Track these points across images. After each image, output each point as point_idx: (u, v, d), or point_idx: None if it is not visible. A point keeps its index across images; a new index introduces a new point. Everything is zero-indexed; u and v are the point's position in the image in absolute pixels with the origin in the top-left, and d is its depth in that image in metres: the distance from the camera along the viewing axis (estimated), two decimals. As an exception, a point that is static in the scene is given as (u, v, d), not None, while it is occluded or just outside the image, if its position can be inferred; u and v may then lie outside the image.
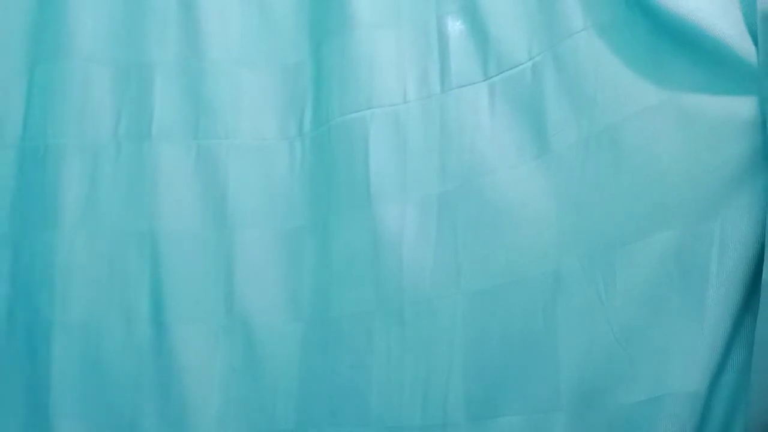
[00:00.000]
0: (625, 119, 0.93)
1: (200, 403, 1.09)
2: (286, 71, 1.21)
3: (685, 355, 0.82)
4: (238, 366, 1.11)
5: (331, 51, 1.18)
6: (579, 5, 1.01)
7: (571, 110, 0.99)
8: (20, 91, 1.21)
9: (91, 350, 1.11)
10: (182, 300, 1.13)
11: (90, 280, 1.13)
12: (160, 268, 1.13)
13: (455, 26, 1.14)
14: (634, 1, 0.96)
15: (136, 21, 1.22)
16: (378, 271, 1.07)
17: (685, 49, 0.89)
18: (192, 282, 1.13)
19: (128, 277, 1.14)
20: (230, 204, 1.16)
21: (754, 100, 0.83)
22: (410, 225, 1.07)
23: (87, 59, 1.19)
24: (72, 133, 1.17)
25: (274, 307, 1.13)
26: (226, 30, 1.22)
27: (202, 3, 1.22)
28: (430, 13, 1.16)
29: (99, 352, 1.11)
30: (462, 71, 1.11)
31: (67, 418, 1.08)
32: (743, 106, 0.83)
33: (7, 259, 1.16)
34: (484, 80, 1.09)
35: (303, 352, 1.10)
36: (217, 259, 1.14)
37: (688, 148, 0.87)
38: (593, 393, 0.89)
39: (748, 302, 0.82)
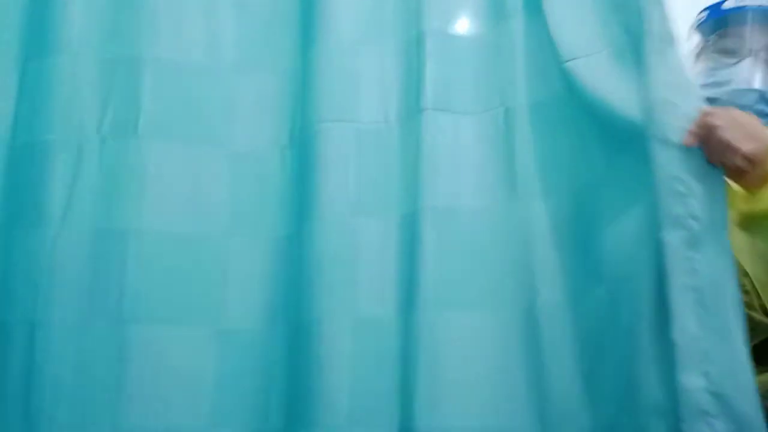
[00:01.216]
0: None
1: (189, 405, 1.11)
2: (277, 77, 1.24)
3: None
4: (227, 368, 1.13)
5: (317, 60, 1.21)
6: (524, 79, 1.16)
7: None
8: (11, 87, 1.20)
9: (75, 351, 1.10)
10: (168, 301, 1.13)
11: (73, 279, 1.12)
12: (144, 268, 1.13)
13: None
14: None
15: (126, 17, 1.22)
16: (353, 280, 1.12)
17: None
18: (178, 283, 1.14)
19: (111, 277, 1.13)
20: (215, 207, 1.18)
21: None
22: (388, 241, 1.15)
23: (75, 55, 1.19)
24: (58, 129, 1.17)
25: (259, 312, 1.15)
26: (217, 31, 1.24)
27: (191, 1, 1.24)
28: (411, 30, 1.21)
29: (83, 354, 1.10)
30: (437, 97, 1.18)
31: (52, 421, 1.07)
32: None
33: None
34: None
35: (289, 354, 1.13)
36: (202, 261, 1.16)
37: None
38: None
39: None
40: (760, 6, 1.35)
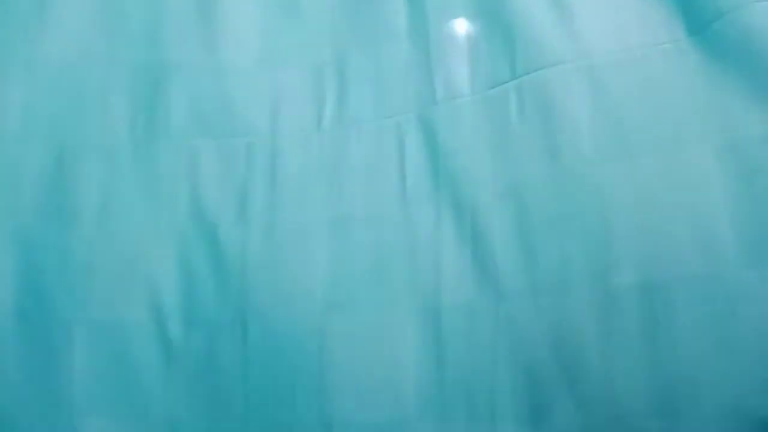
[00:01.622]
0: None
1: (227, 399, 1.08)
2: (308, 72, 1.21)
3: None
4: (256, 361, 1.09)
5: (361, 56, 1.19)
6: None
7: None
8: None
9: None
10: (204, 299, 1.12)
11: (112, 279, 1.12)
12: (182, 267, 1.13)
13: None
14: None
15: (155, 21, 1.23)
16: (412, 273, 1.09)
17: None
18: (213, 280, 1.12)
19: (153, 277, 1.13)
20: (250, 201, 1.15)
21: None
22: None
23: (106, 60, 1.20)
24: (91, 132, 1.17)
25: (288, 302, 1.11)
26: (245, 30, 1.23)
27: (221, 2, 1.23)
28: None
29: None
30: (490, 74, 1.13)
31: (93, 417, 1.07)
32: None
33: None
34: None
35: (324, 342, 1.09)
36: (235, 256, 1.13)
37: None
38: None
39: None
40: None
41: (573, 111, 1.05)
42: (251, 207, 1.15)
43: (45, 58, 1.20)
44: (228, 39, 1.22)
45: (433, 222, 1.09)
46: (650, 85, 1.03)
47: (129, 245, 1.13)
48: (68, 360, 1.09)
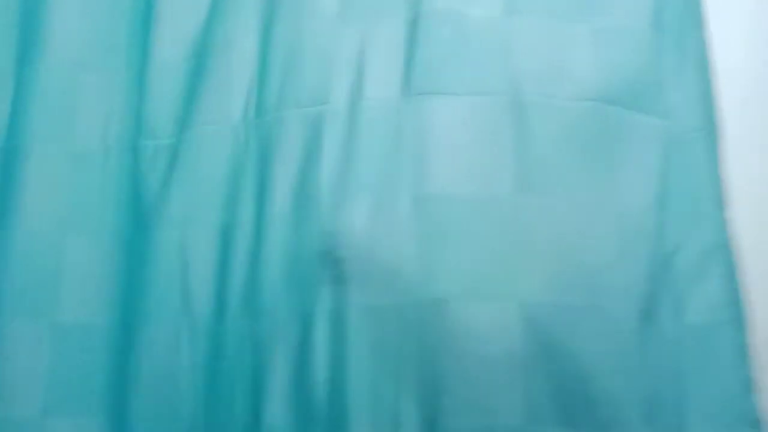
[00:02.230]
0: None
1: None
2: (233, 57, 1.13)
3: None
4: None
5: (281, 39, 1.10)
6: None
7: None
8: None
9: None
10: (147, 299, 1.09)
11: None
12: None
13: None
14: None
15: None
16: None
17: None
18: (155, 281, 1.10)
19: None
20: (175, 198, 1.10)
21: None
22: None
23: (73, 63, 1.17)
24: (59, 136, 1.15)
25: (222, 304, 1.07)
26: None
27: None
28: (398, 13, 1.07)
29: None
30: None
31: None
32: None
33: None
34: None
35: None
36: (171, 257, 1.09)
37: None
38: None
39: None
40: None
41: None
42: None
43: None
44: None
45: None
46: None
47: None
48: None
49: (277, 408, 0.96)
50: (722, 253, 0.98)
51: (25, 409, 1.07)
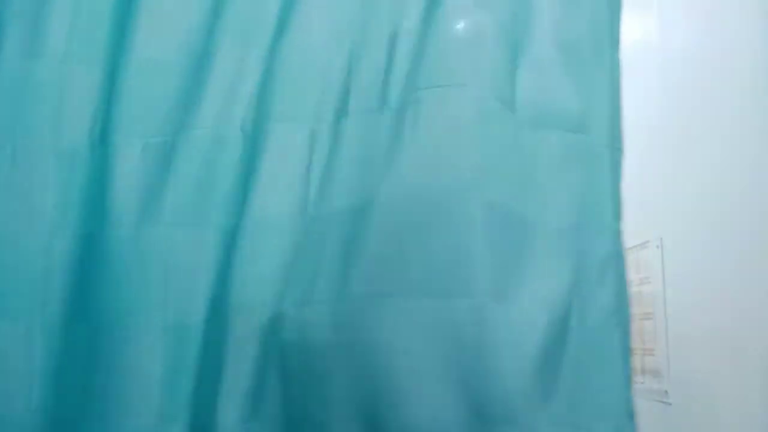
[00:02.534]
0: None
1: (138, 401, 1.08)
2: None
3: None
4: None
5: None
6: None
7: None
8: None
9: None
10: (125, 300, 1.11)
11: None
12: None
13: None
14: None
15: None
16: None
17: None
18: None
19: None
20: (168, 201, 1.12)
21: None
22: None
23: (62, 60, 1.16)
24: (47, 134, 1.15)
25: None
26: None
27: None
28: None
29: None
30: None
31: None
32: None
33: None
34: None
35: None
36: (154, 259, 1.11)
37: None
38: None
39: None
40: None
41: None
42: None
43: None
44: None
45: None
46: None
47: None
48: None
49: None
50: (616, 262, 1.08)
51: None
